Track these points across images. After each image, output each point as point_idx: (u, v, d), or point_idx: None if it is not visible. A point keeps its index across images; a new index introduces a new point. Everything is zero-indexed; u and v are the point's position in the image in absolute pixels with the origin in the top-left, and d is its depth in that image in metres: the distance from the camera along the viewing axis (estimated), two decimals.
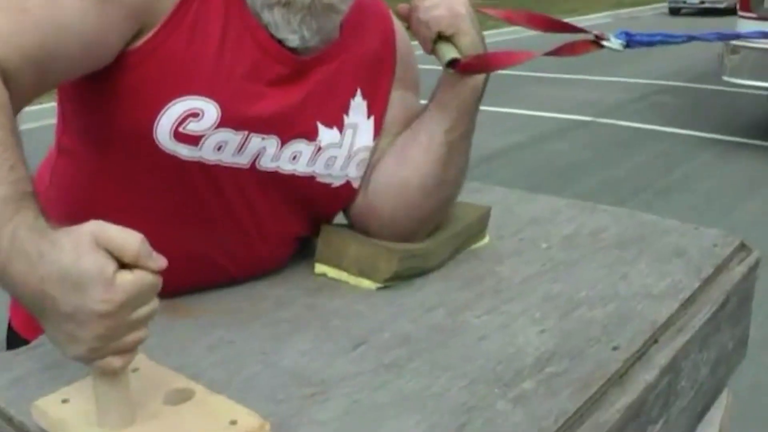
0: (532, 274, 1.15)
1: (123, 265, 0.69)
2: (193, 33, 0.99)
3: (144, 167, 1.02)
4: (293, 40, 1.04)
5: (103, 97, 0.99)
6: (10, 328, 1.27)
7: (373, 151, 1.16)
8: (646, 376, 0.91)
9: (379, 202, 1.15)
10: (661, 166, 5.74)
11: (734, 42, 6.13)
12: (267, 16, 1.03)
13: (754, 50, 5.99)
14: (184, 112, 0.98)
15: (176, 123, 0.98)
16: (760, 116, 7.05)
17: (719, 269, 1.17)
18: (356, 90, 1.13)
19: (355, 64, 1.13)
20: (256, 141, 1.04)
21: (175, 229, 1.05)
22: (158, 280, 0.72)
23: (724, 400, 1.23)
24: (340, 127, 1.11)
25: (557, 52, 1.09)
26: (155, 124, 0.98)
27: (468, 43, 1.10)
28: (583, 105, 7.71)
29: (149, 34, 0.98)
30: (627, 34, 1.20)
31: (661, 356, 0.95)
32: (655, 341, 0.98)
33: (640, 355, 0.94)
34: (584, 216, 1.38)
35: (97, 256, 0.68)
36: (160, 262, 0.72)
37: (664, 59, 9.97)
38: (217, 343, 0.96)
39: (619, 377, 0.89)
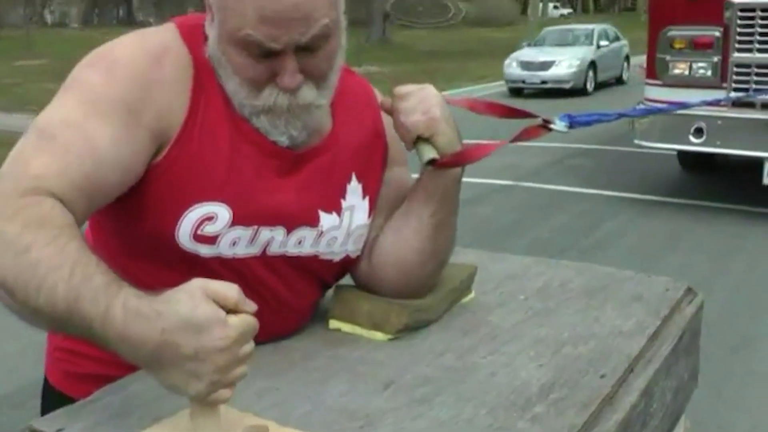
0: (518, 321, 1.34)
1: (227, 312, 0.88)
2: (201, 144, 1.15)
3: (168, 264, 1.16)
4: (283, 141, 1.19)
5: (128, 208, 1.15)
6: (47, 383, 1.40)
7: (370, 227, 1.32)
8: (630, 398, 1.10)
9: (382, 272, 1.32)
10: (584, 225, 6.07)
11: (643, 107, 6.57)
12: (256, 122, 1.18)
13: (661, 115, 6.43)
14: (201, 217, 1.14)
15: (195, 227, 1.14)
16: (672, 175, 7.52)
17: (674, 310, 1.39)
18: (351, 175, 1.29)
19: (349, 151, 1.29)
20: (265, 233, 1.20)
21: None
22: (256, 322, 0.91)
23: (683, 424, 1.43)
24: (339, 211, 1.27)
25: (518, 138, 1.29)
26: (176, 230, 1.14)
27: (444, 143, 1.25)
28: (504, 169, 8.05)
29: (166, 150, 1.13)
30: (569, 116, 1.42)
31: (639, 382, 1.15)
32: (632, 370, 1.17)
33: (622, 382, 1.13)
34: (551, 271, 1.58)
35: (210, 304, 0.87)
36: (254, 306, 0.91)
37: None
38: (263, 391, 1.11)
39: (610, 399, 1.08)
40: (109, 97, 1.09)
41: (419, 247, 1.29)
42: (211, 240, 1.15)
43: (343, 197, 1.27)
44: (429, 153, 1.24)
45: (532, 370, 1.15)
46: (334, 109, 1.27)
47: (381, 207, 1.33)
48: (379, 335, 1.28)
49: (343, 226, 1.27)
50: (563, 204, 6.79)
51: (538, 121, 1.34)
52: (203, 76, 1.16)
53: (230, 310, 0.88)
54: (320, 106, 1.20)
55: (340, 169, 1.27)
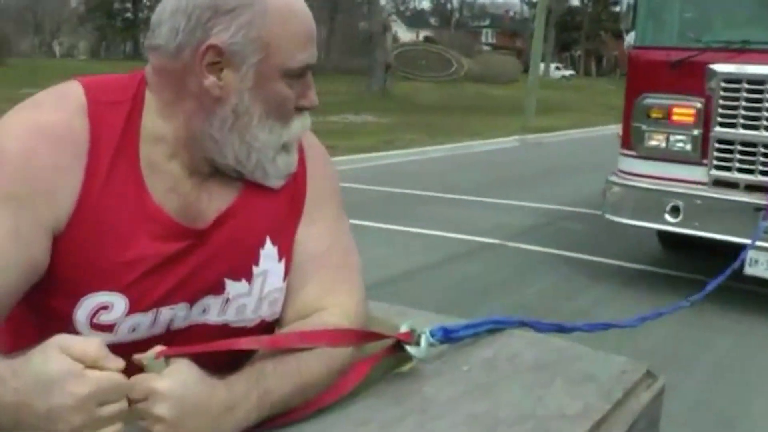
0: (455, 394, 1.22)
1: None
2: (94, 232, 1.07)
3: None
4: (280, 183, 1.19)
5: (31, 292, 1.07)
6: None
7: (287, 288, 1.20)
8: None
9: None
10: (568, 290, 5.94)
11: (613, 179, 6.18)
12: (269, 169, 1.16)
13: (634, 189, 6.00)
14: (96, 306, 1.08)
15: (90, 315, 1.08)
16: (658, 245, 7.37)
17: (628, 394, 1.27)
18: (265, 239, 1.18)
19: (265, 213, 1.19)
20: (166, 312, 1.12)
21: None
22: (123, 379, 0.85)
23: None
24: (249, 278, 1.17)
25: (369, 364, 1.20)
26: (74, 315, 1.07)
27: None
28: (492, 228, 7.96)
29: (59, 234, 1.06)
30: (445, 330, 1.33)
31: None
32: None
33: None
34: (502, 340, 1.46)
35: (64, 358, 0.82)
36: (119, 363, 0.86)
37: (570, 186, 10.44)
38: None
39: None
40: None
41: None
42: (108, 328, 1.08)
43: (256, 263, 1.17)
44: None
45: None
46: None
47: (295, 266, 1.21)
48: None
49: (254, 293, 1.17)
50: (550, 267, 6.66)
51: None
52: (102, 154, 1.07)
53: (91, 367, 0.83)
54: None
55: (253, 234, 1.18)
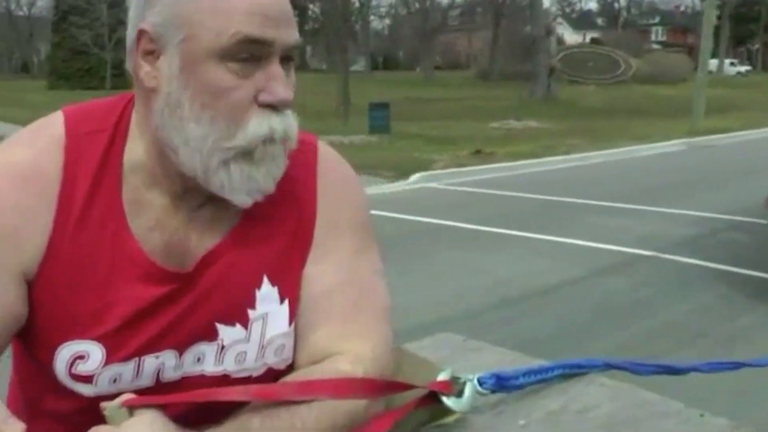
0: None
1: None
2: (68, 275, 0.97)
3: (59, 398, 1.01)
4: (246, 200, 0.99)
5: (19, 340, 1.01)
6: None
7: (297, 331, 1.05)
8: None
9: None
10: (726, 311, 5.48)
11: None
12: (222, 177, 0.96)
13: None
14: (72, 355, 0.98)
15: (68, 365, 0.98)
16: None
17: None
18: (261, 279, 1.03)
19: (261, 249, 1.04)
20: (150, 361, 1.00)
21: None
22: None
23: None
24: (245, 323, 1.03)
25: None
26: (53, 366, 0.99)
27: None
28: (646, 238, 7.53)
29: (30, 282, 0.97)
30: (498, 377, 1.15)
31: None
32: None
33: None
34: (578, 388, 1.26)
35: None
36: (17, 427, 0.76)
37: (737, 193, 9.78)
38: None
39: None
40: None
41: None
42: (87, 379, 0.98)
43: (251, 306, 1.03)
44: None
45: None
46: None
47: (304, 306, 1.06)
48: None
49: (252, 339, 1.03)
50: (706, 283, 6.19)
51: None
52: (78, 191, 0.97)
53: None
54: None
55: (246, 273, 1.03)
